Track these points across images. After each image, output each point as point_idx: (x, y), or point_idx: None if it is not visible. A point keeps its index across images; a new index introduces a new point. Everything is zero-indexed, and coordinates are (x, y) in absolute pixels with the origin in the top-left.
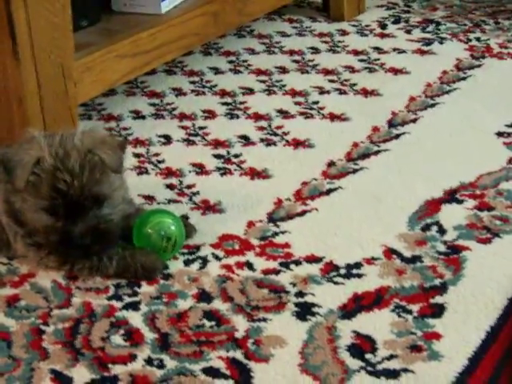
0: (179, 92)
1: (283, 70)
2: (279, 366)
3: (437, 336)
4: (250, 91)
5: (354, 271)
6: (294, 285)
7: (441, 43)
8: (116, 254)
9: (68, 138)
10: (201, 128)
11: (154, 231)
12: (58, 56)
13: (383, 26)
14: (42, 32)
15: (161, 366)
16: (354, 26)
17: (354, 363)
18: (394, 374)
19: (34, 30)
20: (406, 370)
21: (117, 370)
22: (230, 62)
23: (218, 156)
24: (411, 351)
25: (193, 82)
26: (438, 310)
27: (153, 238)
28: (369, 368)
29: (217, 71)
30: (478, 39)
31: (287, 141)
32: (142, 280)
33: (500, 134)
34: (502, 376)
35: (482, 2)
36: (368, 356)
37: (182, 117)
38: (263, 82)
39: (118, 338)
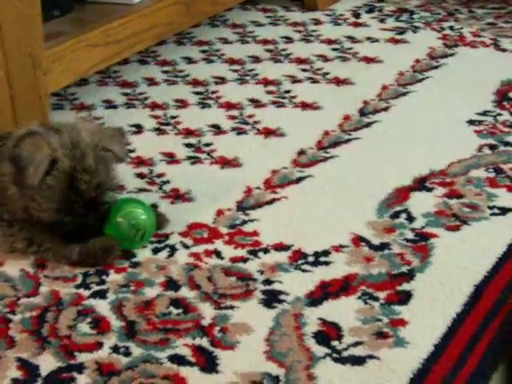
0: (151, 82)
1: (256, 60)
2: (245, 354)
3: (403, 323)
4: (222, 80)
5: (322, 259)
6: (262, 272)
7: (414, 32)
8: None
9: (75, 135)
10: (172, 117)
11: (124, 220)
12: (27, 46)
13: (357, 15)
14: (11, 22)
15: (127, 353)
16: (327, 15)
17: (319, 350)
18: (359, 360)
19: (3, 20)
20: (371, 357)
21: (83, 357)
22: (203, 51)
23: (188, 145)
24: (377, 338)
25: (165, 72)
26: (405, 297)
27: (122, 226)
28: (334, 355)
29: (189, 61)
30: (451, 28)
31: (258, 129)
32: (101, 264)
33: (471, 122)
34: (468, 362)
35: None
36: (334, 343)
37: (154, 106)
38: (236, 71)
39: (84, 326)
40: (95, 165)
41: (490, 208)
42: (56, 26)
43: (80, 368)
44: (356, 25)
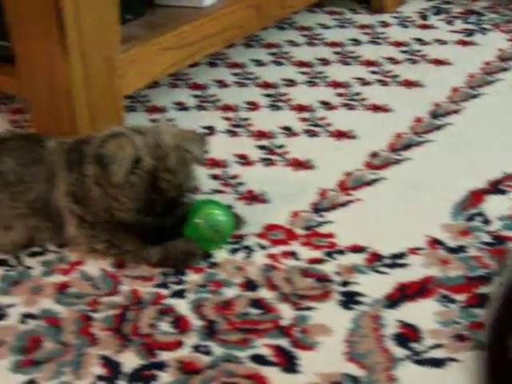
0: (222, 84)
1: (325, 62)
2: (325, 354)
3: (482, 326)
4: (291, 83)
5: (399, 261)
6: (339, 274)
7: (483, 34)
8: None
9: (158, 137)
10: (244, 119)
11: (202, 221)
12: (104, 49)
13: (424, 17)
14: (89, 26)
15: (208, 352)
16: (395, 17)
17: (399, 352)
18: (439, 362)
19: (83, 24)
20: (451, 359)
21: (164, 356)
22: (272, 53)
23: (261, 147)
24: (456, 340)
25: (235, 74)
26: (483, 300)
27: (201, 227)
28: (414, 357)
29: (259, 63)
30: None
31: (330, 132)
32: (181, 267)
33: None
34: None
35: None
36: (413, 345)
37: (225, 108)
38: (305, 73)
39: (165, 325)
40: (177, 165)
41: None
42: (129, 29)
43: (162, 366)
44: (424, 27)
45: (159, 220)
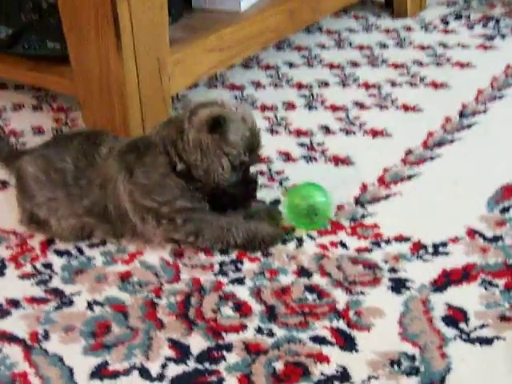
0: (258, 85)
1: (354, 64)
2: (380, 335)
3: None
4: (324, 84)
5: (441, 249)
6: (386, 262)
7: (502, 39)
8: (242, 224)
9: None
10: (283, 119)
11: (302, 202)
12: (155, 51)
13: (446, 22)
14: (142, 29)
15: (271, 334)
16: (417, 22)
17: (449, 332)
18: (487, 341)
19: (136, 27)
20: (498, 338)
21: (230, 338)
22: (303, 56)
23: (301, 144)
24: (501, 321)
25: (270, 76)
26: None
27: (301, 207)
28: (463, 336)
29: (291, 65)
30: None
31: (366, 130)
32: (265, 249)
33: None
34: None
35: None
36: (462, 325)
37: (264, 108)
38: (337, 75)
39: (228, 310)
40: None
41: None
42: (170, 32)
43: (229, 347)
44: (446, 31)
45: (245, 186)
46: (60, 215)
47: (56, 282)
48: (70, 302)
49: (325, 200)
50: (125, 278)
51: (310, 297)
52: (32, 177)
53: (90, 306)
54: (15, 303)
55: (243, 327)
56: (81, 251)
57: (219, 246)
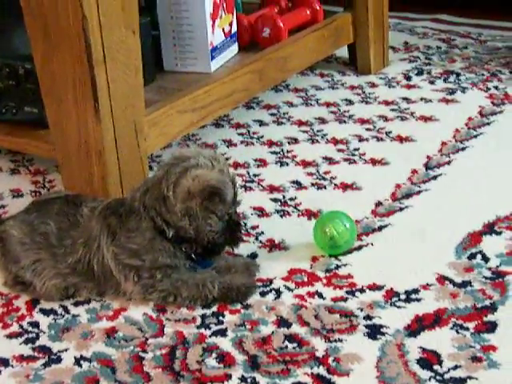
0: (230, 143)
1: (322, 121)
2: (359, 379)
3: (493, 348)
4: (294, 140)
5: (413, 296)
6: (362, 310)
7: (463, 92)
8: (216, 278)
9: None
10: (255, 175)
11: (329, 230)
12: (131, 113)
13: (408, 78)
14: (118, 92)
15: (254, 383)
16: (381, 78)
17: (424, 374)
18: (460, 381)
19: (113, 90)
20: (470, 378)
21: None
22: (272, 114)
23: (275, 200)
24: (473, 361)
25: (241, 134)
26: (492, 326)
27: (324, 242)
28: (438, 377)
29: (261, 123)
30: (496, 87)
31: (336, 184)
32: (242, 300)
33: None
34: None
35: (495, 54)
36: (436, 367)
37: (237, 165)
38: (306, 131)
39: (212, 361)
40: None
41: None
42: (145, 94)
43: None
44: (408, 87)
45: (231, 237)
46: (45, 276)
47: (43, 340)
48: (58, 359)
49: (343, 229)
50: (110, 333)
51: (291, 345)
52: (16, 240)
53: (77, 361)
54: (4, 362)
55: (228, 377)
56: (66, 309)
57: (198, 302)
